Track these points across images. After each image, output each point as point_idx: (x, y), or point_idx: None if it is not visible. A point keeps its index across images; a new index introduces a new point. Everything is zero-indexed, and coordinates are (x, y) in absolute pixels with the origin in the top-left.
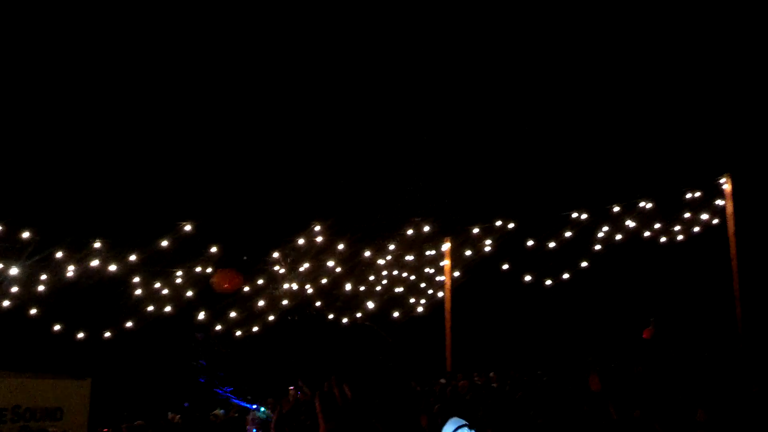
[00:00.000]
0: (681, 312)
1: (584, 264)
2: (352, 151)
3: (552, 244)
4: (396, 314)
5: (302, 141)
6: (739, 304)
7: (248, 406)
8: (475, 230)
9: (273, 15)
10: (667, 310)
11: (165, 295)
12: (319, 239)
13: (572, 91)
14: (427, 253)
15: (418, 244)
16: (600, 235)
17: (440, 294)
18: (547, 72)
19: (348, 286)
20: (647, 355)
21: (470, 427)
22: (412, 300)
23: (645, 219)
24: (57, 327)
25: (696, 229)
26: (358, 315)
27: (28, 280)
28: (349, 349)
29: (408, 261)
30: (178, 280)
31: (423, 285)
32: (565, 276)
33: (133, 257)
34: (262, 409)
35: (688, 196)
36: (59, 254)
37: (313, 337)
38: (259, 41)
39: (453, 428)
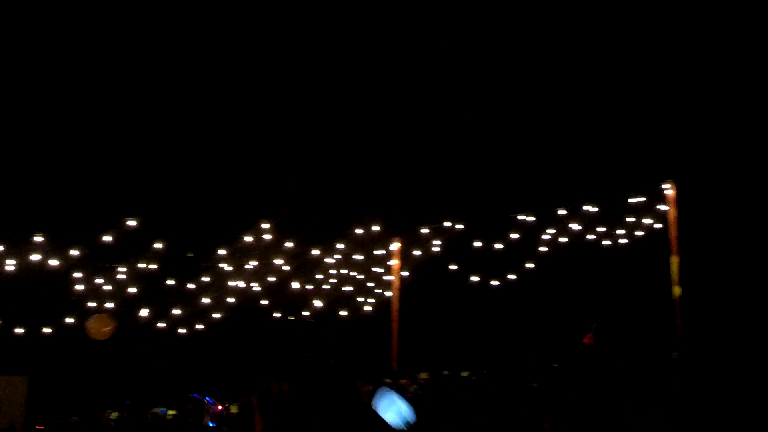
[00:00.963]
0: (623, 315)
1: (530, 265)
2: (301, 149)
3: (499, 246)
4: (344, 313)
5: (251, 137)
6: (679, 309)
7: (206, 399)
8: (424, 231)
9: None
10: (610, 313)
11: (107, 291)
12: (267, 237)
13: (519, 95)
14: (376, 252)
15: (367, 243)
16: (545, 237)
17: (388, 294)
18: (496, 74)
19: (295, 285)
20: (587, 358)
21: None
22: (360, 299)
23: (589, 222)
24: None
25: (639, 233)
26: (305, 313)
27: None
28: (289, 347)
29: (356, 260)
30: (121, 276)
31: (371, 284)
32: (512, 277)
33: (74, 252)
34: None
35: (632, 201)
36: None
37: (259, 335)
38: (202, 35)
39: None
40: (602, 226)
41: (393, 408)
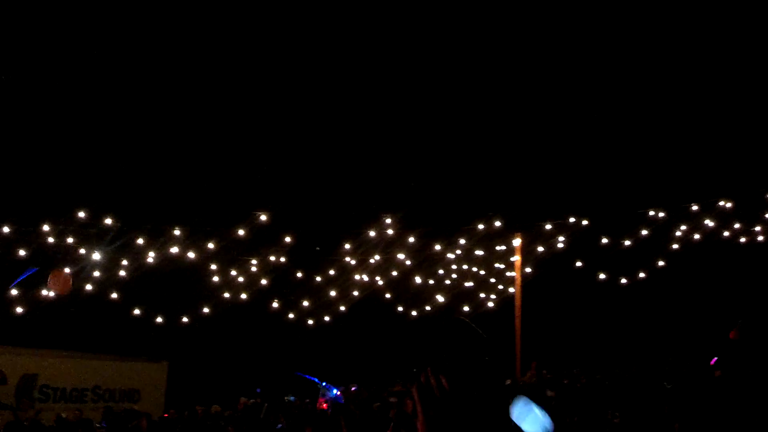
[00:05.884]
0: (762, 314)
1: (661, 263)
2: (424, 146)
3: (627, 243)
4: (466, 309)
5: (376, 134)
6: None
7: (321, 383)
8: (548, 226)
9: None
10: (749, 312)
11: (240, 283)
12: (390, 231)
13: (650, 88)
14: (498, 248)
15: (489, 239)
16: (677, 234)
17: (511, 290)
18: (625, 66)
19: (417, 280)
20: (731, 357)
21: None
22: (482, 295)
23: (724, 219)
24: (136, 311)
25: None
26: (428, 308)
27: (109, 266)
28: (439, 342)
29: (478, 256)
30: (253, 269)
31: (493, 280)
32: (641, 275)
33: (210, 245)
34: (335, 390)
35: None
36: (140, 241)
37: (386, 329)
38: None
39: (524, 411)
40: (738, 222)
41: (530, 417)
